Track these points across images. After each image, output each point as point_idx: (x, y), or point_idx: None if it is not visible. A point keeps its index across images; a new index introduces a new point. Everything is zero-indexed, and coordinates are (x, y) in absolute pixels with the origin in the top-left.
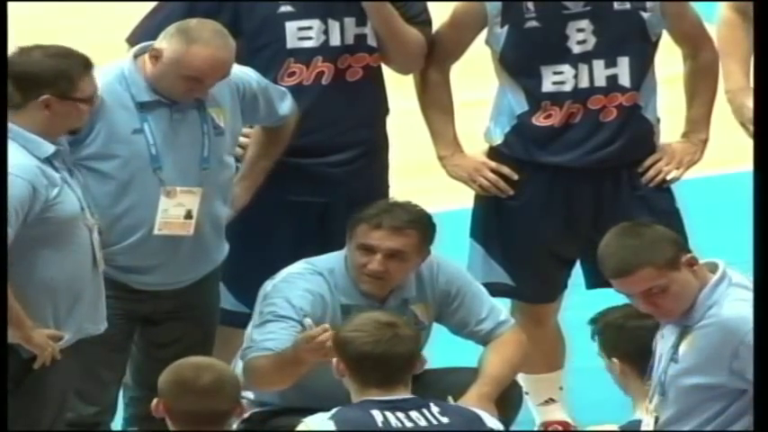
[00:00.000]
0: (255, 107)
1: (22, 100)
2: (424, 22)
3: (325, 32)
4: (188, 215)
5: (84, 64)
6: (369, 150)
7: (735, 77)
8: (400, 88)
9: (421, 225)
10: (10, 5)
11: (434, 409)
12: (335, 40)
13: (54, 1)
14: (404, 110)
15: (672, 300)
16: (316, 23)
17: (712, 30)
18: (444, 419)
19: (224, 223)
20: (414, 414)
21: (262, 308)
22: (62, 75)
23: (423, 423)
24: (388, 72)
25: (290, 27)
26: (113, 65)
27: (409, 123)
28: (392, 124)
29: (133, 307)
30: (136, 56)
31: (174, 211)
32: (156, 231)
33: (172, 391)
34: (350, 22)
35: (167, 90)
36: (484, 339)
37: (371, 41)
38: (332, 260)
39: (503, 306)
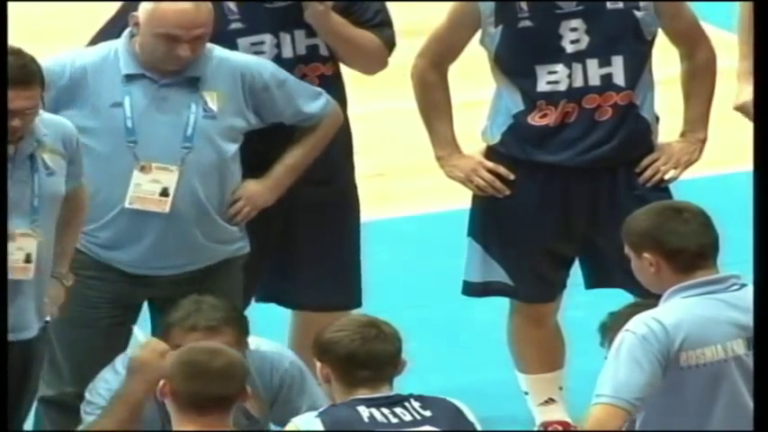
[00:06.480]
0: (271, 101)
1: None
2: (379, 24)
3: (278, 46)
4: (164, 192)
5: (13, 77)
6: (330, 154)
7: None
8: (400, 88)
9: (235, 321)
10: (10, 6)
11: (415, 403)
12: (288, 53)
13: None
14: (404, 110)
15: None
16: (267, 38)
17: (709, 29)
18: (427, 413)
19: (218, 210)
20: (398, 410)
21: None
22: None
23: (408, 418)
24: (388, 72)
25: (243, 43)
26: (112, 42)
27: (409, 123)
28: (392, 124)
29: (120, 291)
30: (132, 35)
31: (148, 186)
32: (126, 204)
33: (181, 372)
34: (300, 33)
35: (150, 56)
36: None
37: (324, 51)
38: None
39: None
